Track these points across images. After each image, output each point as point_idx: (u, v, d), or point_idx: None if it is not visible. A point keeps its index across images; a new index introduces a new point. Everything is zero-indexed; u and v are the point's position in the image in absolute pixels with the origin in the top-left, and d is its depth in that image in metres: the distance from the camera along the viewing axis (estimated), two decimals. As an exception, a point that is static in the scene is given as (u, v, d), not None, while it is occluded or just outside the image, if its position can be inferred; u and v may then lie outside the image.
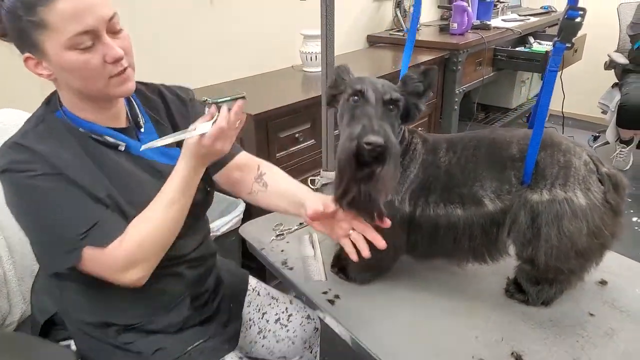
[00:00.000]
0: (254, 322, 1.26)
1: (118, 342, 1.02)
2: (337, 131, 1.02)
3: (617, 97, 3.19)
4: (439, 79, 2.93)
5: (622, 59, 3.26)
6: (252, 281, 1.29)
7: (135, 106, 1.06)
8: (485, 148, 1.03)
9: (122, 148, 0.98)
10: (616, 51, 3.42)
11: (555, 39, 0.90)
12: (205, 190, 1.09)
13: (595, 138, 3.70)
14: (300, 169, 2.13)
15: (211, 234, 2.00)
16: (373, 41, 3.17)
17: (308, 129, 2.13)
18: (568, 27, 0.87)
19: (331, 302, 1.06)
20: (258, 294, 1.27)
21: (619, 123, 3.13)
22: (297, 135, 2.09)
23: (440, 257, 1.10)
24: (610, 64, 3.39)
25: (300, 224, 1.32)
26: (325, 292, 1.09)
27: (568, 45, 0.89)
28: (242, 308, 1.24)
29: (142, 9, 2.04)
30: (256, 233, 1.33)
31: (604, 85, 3.46)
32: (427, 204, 1.03)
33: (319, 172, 1.50)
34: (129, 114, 1.05)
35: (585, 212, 0.94)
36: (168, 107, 1.11)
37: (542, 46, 3.36)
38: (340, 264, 1.14)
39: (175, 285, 1.06)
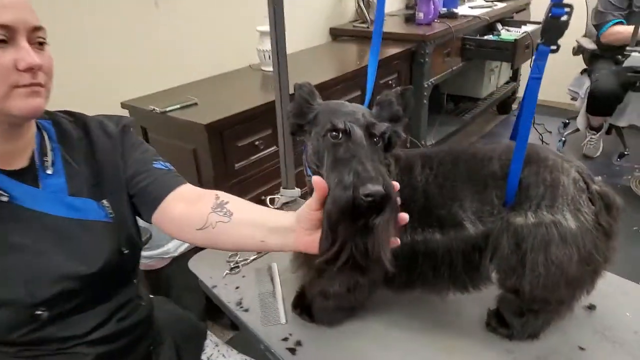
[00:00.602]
0: None
1: None
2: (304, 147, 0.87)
3: (587, 83, 3.13)
4: (407, 73, 2.80)
5: (590, 45, 3.19)
6: (210, 343, 1.11)
7: (47, 140, 0.88)
8: (464, 163, 0.93)
9: (4, 199, 0.79)
10: (584, 36, 3.36)
11: (538, 41, 0.77)
12: (119, 252, 0.89)
13: (566, 125, 3.66)
14: (263, 179, 1.98)
15: (167, 256, 1.87)
16: (336, 34, 3.01)
17: (269, 135, 1.96)
18: (553, 27, 0.75)
19: (292, 351, 0.92)
20: None
21: (589, 110, 3.07)
22: (257, 142, 1.92)
23: (419, 288, 0.97)
24: (579, 50, 3.32)
25: (258, 253, 1.17)
26: (285, 339, 0.95)
27: (553, 47, 0.76)
28: None
29: (80, 16, 1.84)
30: (207, 267, 1.17)
31: (574, 71, 3.39)
32: (404, 230, 0.91)
33: (278, 191, 1.34)
34: (35, 151, 0.85)
35: (575, 236, 0.83)
36: (91, 144, 0.92)
37: (510, 33, 3.26)
38: (304, 303, 1.00)
39: None
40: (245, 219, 0.82)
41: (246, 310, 1.03)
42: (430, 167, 0.93)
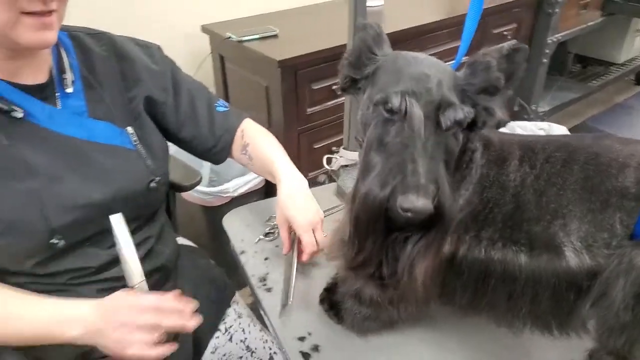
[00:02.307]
0: None
1: None
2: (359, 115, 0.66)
3: None
4: (529, 24, 2.37)
5: None
6: (232, 312, 1.01)
7: (65, 58, 0.78)
8: (582, 167, 0.66)
9: (19, 115, 0.71)
10: None
11: None
12: (140, 183, 0.82)
13: None
14: (335, 129, 1.78)
15: (226, 195, 1.77)
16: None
17: (349, 80, 1.74)
18: None
19: (305, 355, 0.75)
20: (230, 338, 0.98)
21: None
22: (334, 87, 1.71)
23: (485, 314, 0.75)
24: None
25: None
26: (302, 338, 0.78)
27: None
28: (202, 352, 0.97)
29: None
30: (241, 225, 1.02)
31: None
32: (478, 241, 0.69)
33: (338, 149, 1.14)
34: (53, 67, 0.77)
35: None
36: (122, 67, 0.85)
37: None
38: (333, 299, 0.82)
39: None
40: (260, 164, 0.96)
41: (268, 290, 0.87)
42: (532, 163, 0.68)
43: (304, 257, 0.86)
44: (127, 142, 0.83)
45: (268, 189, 1.77)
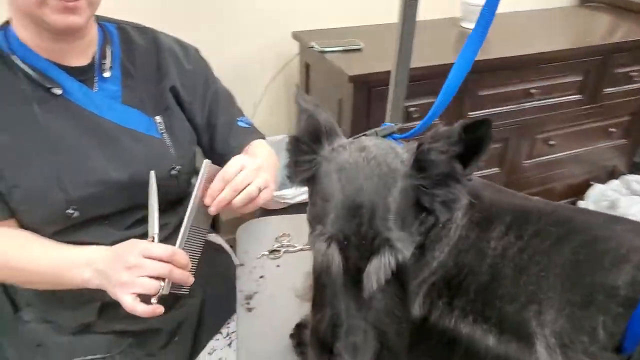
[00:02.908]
0: None
1: (17, 315, 0.89)
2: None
3: None
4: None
5: None
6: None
7: (109, 46, 0.85)
8: (573, 249, 0.56)
9: (58, 92, 0.77)
10: None
11: None
12: (161, 170, 0.83)
13: None
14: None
15: (283, 201, 1.77)
16: (588, -1, 2.33)
17: (426, 105, 1.63)
18: None
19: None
20: (230, 344, 0.95)
21: None
22: (411, 109, 1.61)
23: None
24: None
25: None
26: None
27: None
28: (199, 351, 0.97)
29: None
30: (251, 238, 1.01)
31: None
32: (450, 309, 0.61)
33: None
34: (97, 53, 0.83)
35: None
36: (160, 60, 0.90)
37: None
38: (302, 337, 0.76)
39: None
40: None
41: (249, 310, 0.84)
42: (519, 234, 0.58)
43: (209, 195, 0.74)
44: (153, 131, 0.86)
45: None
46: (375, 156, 0.53)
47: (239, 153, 0.94)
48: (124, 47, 0.87)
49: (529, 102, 1.82)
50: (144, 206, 0.80)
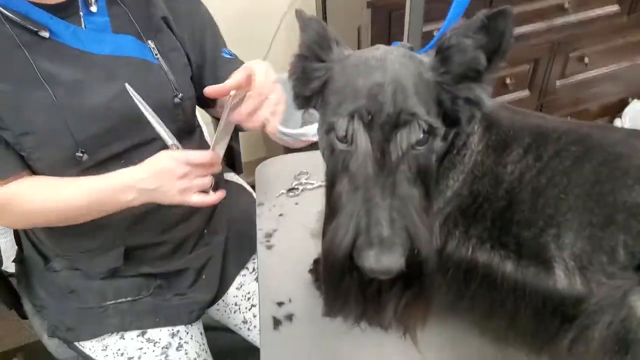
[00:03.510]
0: (239, 309, 1.02)
1: (48, 266, 0.92)
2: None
3: None
4: None
5: None
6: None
7: None
8: (595, 167, 0.54)
9: (45, 34, 0.76)
10: None
11: None
12: (163, 96, 0.86)
13: None
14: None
15: (304, 139, 1.77)
16: None
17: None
18: None
19: (276, 322, 0.74)
20: (256, 278, 1.00)
21: None
22: (434, 32, 1.54)
23: (466, 318, 0.66)
24: None
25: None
26: (280, 304, 0.77)
27: None
28: (227, 287, 1.01)
29: None
30: (271, 176, 1.02)
31: None
32: (467, 238, 0.60)
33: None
34: None
35: None
36: None
37: None
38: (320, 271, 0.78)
39: (102, 229, 0.87)
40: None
41: (269, 248, 0.86)
42: (538, 154, 0.56)
43: (243, 110, 0.76)
44: (149, 55, 0.85)
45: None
46: (395, 52, 0.52)
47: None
48: None
49: (562, 17, 1.70)
50: (156, 138, 0.82)
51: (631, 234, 0.49)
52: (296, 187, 0.97)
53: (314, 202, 0.94)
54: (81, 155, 0.79)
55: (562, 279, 0.53)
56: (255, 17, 1.73)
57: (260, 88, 0.75)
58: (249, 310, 1.02)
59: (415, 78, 0.50)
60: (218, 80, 0.87)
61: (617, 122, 2.01)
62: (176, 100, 0.87)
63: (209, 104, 0.99)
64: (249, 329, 1.03)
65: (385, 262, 0.43)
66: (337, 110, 0.50)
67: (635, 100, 2.02)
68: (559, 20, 1.70)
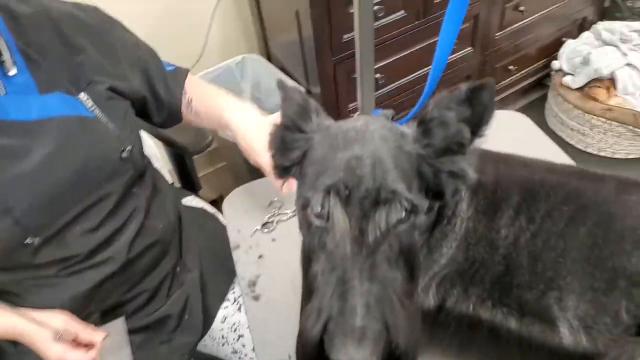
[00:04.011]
0: (227, 341, 0.99)
1: (19, 349, 0.85)
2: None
3: None
4: None
5: None
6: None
7: (1, 39, 0.70)
8: (590, 230, 0.54)
9: None
10: None
11: None
12: (105, 152, 0.78)
13: None
14: (378, 55, 1.56)
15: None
16: None
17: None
18: None
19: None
20: (239, 308, 0.97)
21: None
22: (375, 7, 1.47)
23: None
24: None
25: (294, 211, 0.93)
26: (281, 363, 0.75)
27: None
28: (211, 322, 0.98)
29: None
30: (241, 210, 0.96)
31: None
32: (466, 296, 0.60)
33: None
34: None
35: None
36: (58, 29, 0.76)
37: None
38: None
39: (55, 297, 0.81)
40: (206, 115, 0.94)
41: (256, 298, 0.83)
42: (530, 216, 0.55)
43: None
44: (81, 110, 0.76)
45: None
46: (375, 123, 0.49)
47: (181, 96, 0.91)
48: (12, 27, 0.72)
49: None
50: (109, 194, 0.77)
51: (634, 301, 0.50)
52: (270, 220, 0.93)
53: (291, 234, 0.90)
54: (30, 242, 0.72)
55: (568, 336, 0.54)
56: (187, 12, 1.59)
57: None
58: (237, 341, 1.00)
59: (396, 151, 0.47)
60: (173, 94, 0.90)
61: (555, 64, 2.06)
62: (124, 155, 0.79)
63: (177, 121, 0.96)
64: (240, 358, 1.02)
65: (356, 356, 0.40)
66: (314, 184, 0.47)
67: (569, 40, 2.06)
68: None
